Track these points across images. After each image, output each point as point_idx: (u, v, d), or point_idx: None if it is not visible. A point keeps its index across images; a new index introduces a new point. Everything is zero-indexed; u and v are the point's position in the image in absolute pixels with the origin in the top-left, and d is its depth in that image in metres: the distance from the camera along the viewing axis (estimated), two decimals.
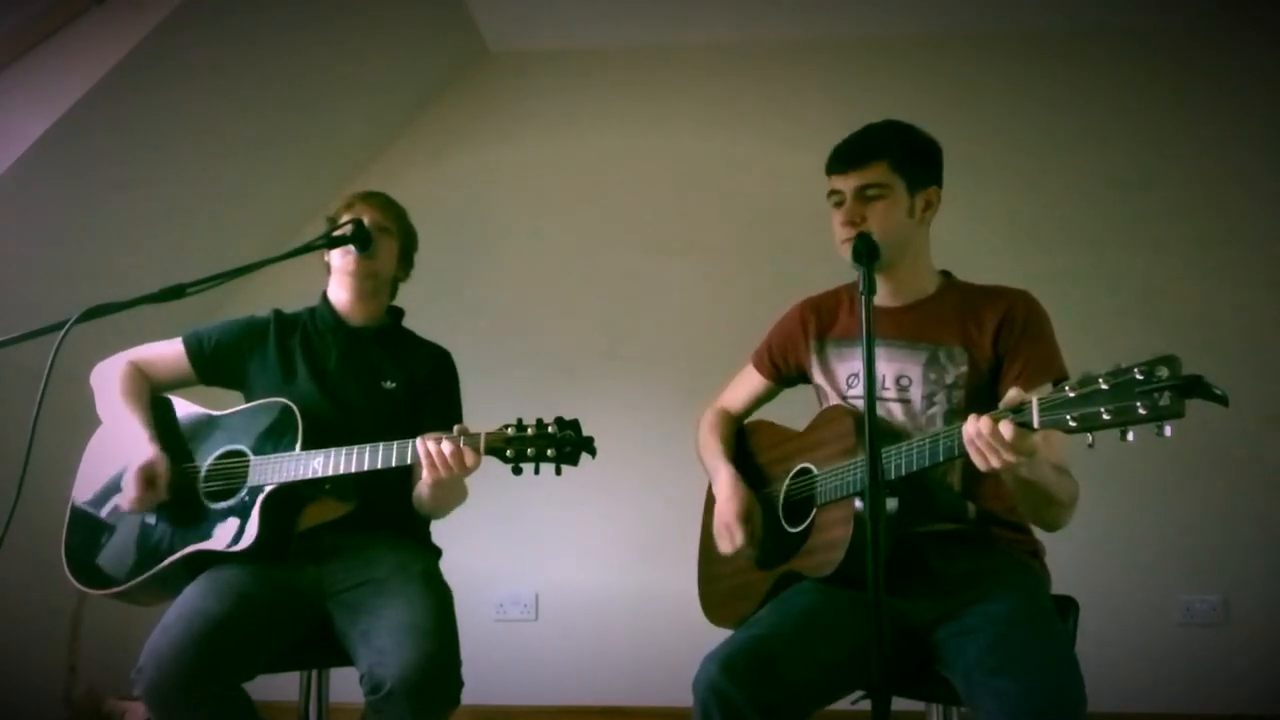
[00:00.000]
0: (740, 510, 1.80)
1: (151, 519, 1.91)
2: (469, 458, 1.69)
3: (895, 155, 1.72)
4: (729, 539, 1.79)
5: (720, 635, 1.77)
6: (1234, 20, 3.33)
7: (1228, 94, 3.35)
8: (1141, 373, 1.18)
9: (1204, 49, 3.36)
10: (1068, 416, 1.25)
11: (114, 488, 1.96)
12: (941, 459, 1.46)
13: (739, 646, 1.52)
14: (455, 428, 1.72)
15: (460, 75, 3.64)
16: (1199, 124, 3.35)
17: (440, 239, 2.50)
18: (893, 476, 1.54)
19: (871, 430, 1.34)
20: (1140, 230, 3.32)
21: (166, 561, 1.84)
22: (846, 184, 1.72)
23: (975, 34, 3.48)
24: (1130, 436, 1.20)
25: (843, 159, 1.75)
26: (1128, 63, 3.41)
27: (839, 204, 1.74)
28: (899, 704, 1.52)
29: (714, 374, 2.14)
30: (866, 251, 1.47)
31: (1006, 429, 1.33)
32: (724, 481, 1.88)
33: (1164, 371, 1.16)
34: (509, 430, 1.69)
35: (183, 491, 1.91)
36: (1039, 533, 1.71)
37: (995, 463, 1.36)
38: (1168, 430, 1.17)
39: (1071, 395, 1.25)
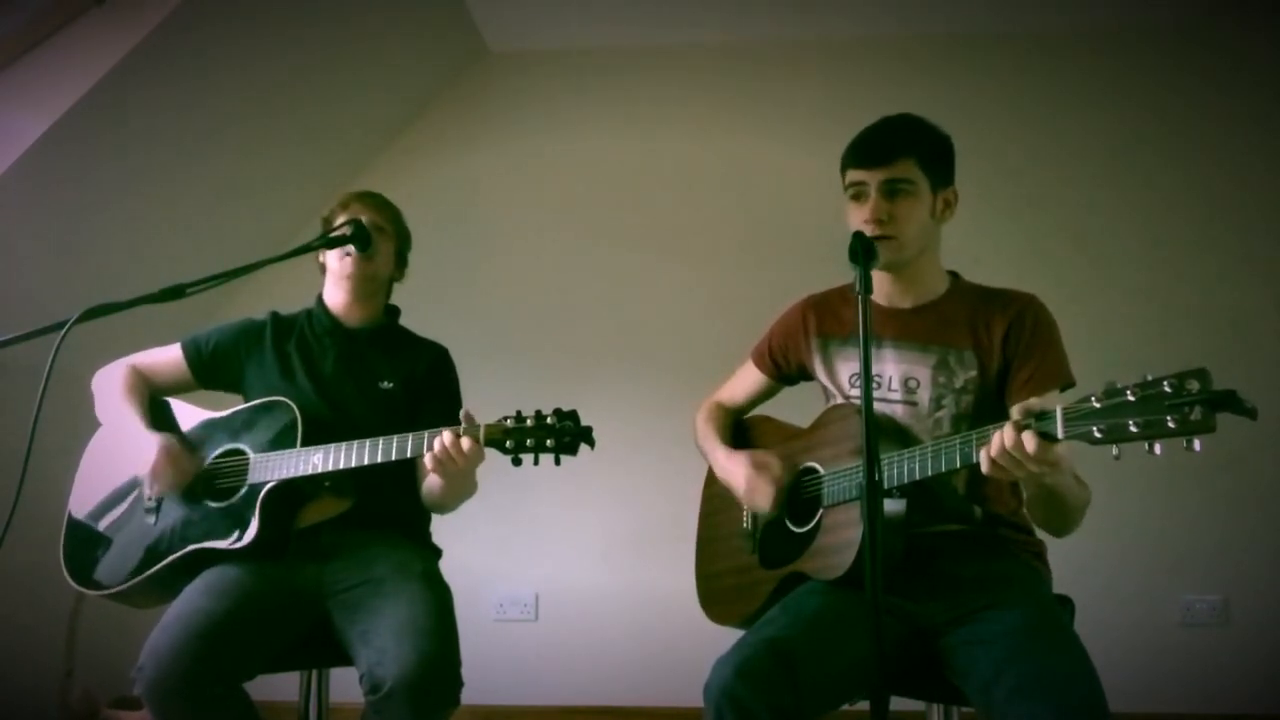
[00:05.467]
0: (753, 463, 1.79)
1: (151, 519, 1.91)
2: (466, 444, 1.69)
3: (922, 153, 1.69)
4: (762, 495, 1.76)
5: (721, 634, 1.78)
6: (1232, 21, 3.33)
7: (1227, 95, 3.34)
8: (1171, 385, 1.16)
9: (1203, 49, 3.36)
10: (1094, 428, 1.23)
11: (113, 488, 1.97)
12: (959, 465, 1.45)
13: (754, 650, 1.49)
14: (461, 413, 1.72)
15: (460, 75, 3.64)
16: (1198, 124, 3.35)
17: (441, 238, 2.51)
18: (905, 480, 1.52)
19: (869, 429, 1.33)
20: (1139, 231, 3.32)
21: (166, 560, 1.85)
22: (872, 178, 1.67)
23: (975, 34, 3.48)
24: (1158, 449, 1.19)
25: (870, 153, 1.70)
26: (1126, 63, 3.41)
27: (857, 196, 1.70)
28: (899, 704, 1.53)
29: (713, 374, 2.14)
30: (863, 251, 1.44)
31: (1031, 442, 1.31)
32: (722, 457, 1.88)
33: (1194, 385, 1.14)
34: (508, 422, 1.71)
35: (184, 490, 1.91)
36: (1040, 533, 1.71)
37: (1019, 474, 1.34)
38: (1197, 445, 1.15)
39: (1098, 406, 1.23)
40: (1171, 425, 1.15)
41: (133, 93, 2.57)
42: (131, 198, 2.84)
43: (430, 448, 1.71)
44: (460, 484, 1.85)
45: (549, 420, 1.69)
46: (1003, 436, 1.34)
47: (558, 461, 1.71)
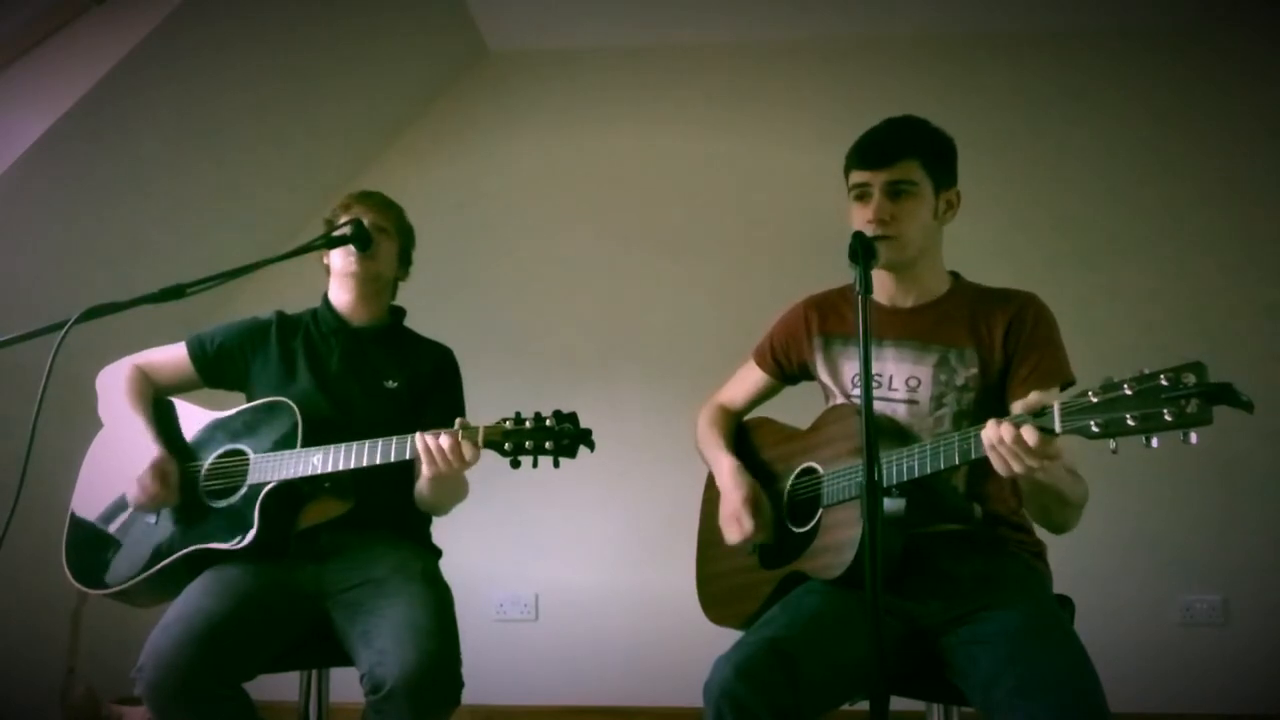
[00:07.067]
0: (747, 496, 1.79)
1: (152, 519, 1.91)
2: (467, 451, 1.69)
3: (925, 154, 1.71)
4: (738, 527, 1.77)
5: (721, 634, 1.78)
6: (1232, 22, 3.33)
7: (1226, 95, 3.35)
8: (1167, 379, 1.16)
9: (1202, 50, 3.36)
10: (1091, 423, 1.23)
11: (115, 490, 1.97)
12: (958, 462, 1.45)
13: (754, 649, 1.49)
14: (456, 421, 1.72)
15: (460, 75, 3.64)
16: (1197, 125, 3.35)
17: (441, 238, 2.51)
18: (904, 479, 1.52)
19: (869, 429, 1.34)
20: (1138, 231, 3.32)
21: (167, 560, 1.85)
22: (876, 179, 1.69)
23: (975, 34, 3.48)
24: (1154, 443, 1.19)
25: (874, 154, 1.71)
26: (1126, 64, 3.41)
27: (861, 196, 1.72)
28: (899, 703, 1.52)
29: (714, 374, 2.14)
30: (863, 251, 1.44)
31: (1030, 435, 1.31)
32: (727, 471, 1.87)
33: (1191, 378, 1.14)
34: (507, 423, 1.70)
35: (184, 491, 1.91)
36: (1040, 532, 1.70)
37: (1018, 468, 1.34)
38: (1193, 438, 1.15)
39: (1095, 400, 1.23)
40: (1168, 418, 1.15)
41: (133, 92, 2.57)
42: (131, 197, 2.84)
43: (427, 446, 1.71)
44: (450, 485, 1.85)
45: (548, 422, 1.69)
46: (1001, 431, 1.34)
47: (556, 464, 1.70)
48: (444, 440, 1.69)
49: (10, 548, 1.52)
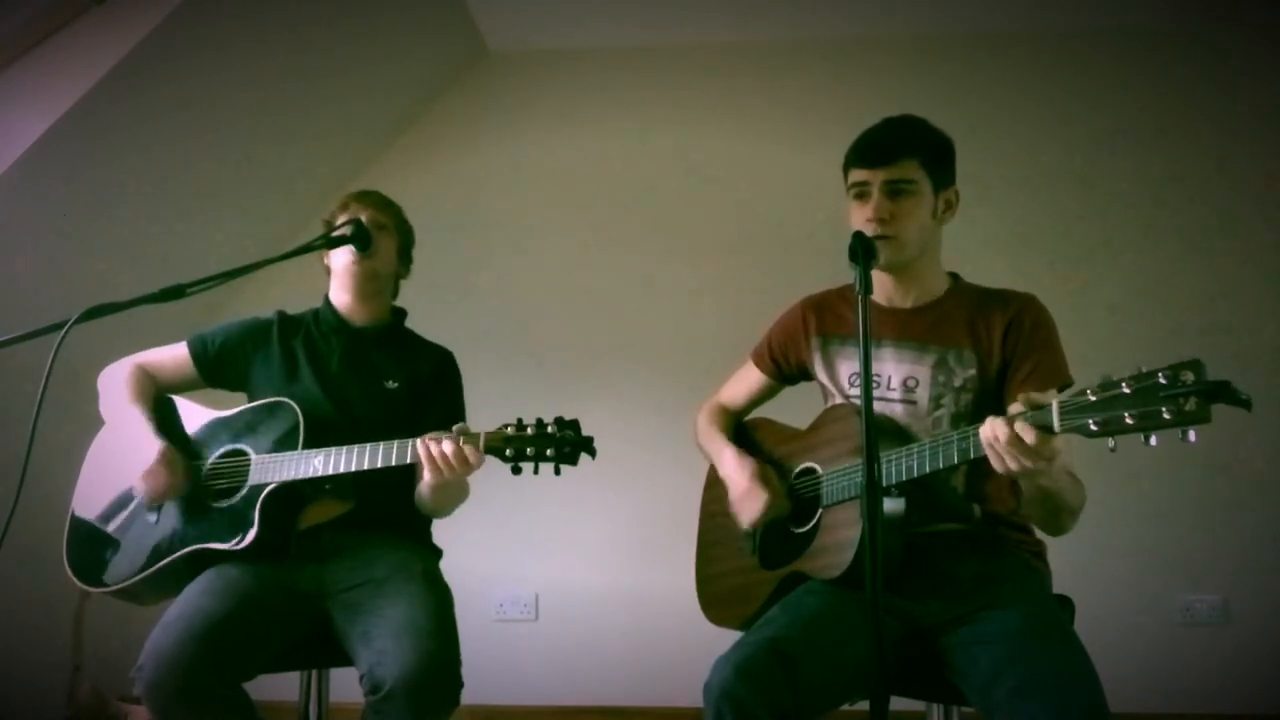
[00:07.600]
0: (754, 472, 1.79)
1: (153, 518, 1.91)
2: (471, 456, 1.69)
3: (924, 153, 1.70)
4: (752, 503, 1.77)
5: (721, 634, 1.78)
6: (1232, 22, 3.33)
7: (1226, 95, 3.34)
8: (1165, 377, 1.15)
9: (1202, 50, 3.36)
10: (1090, 421, 1.23)
11: (116, 488, 1.97)
12: (956, 462, 1.45)
13: (754, 649, 1.49)
14: (455, 427, 1.72)
15: (460, 75, 3.64)
16: (1197, 125, 3.35)
17: (440, 239, 2.51)
18: (903, 478, 1.52)
19: (869, 428, 1.34)
20: (1137, 231, 3.32)
21: (168, 559, 1.85)
22: (875, 177, 1.69)
23: (975, 34, 3.48)
24: (1153, 441, 1.19)
25: (873, 153, 1.71)
26: (1126, 64, 3.41)
27: (860, 195, 1.72)
28: (899, 703, 1.53)
29: (714, 374, 2.14)
30: (863, 251, 1.44)
31: (1028, 433, 1.31)
32: (730, 457, 1.87)
33: (1189, 376, 1.14)
34: (508, 430, 1.70)
35: (186, 490, 1.91)
36: (1040, 532, 1.71)
37: (1015, 467, 1.34)
38: (1192, 436, 1.14)
39: (1093, 399, 1.23)
40: (1167, 416, 1.15)
41: (132, 93, 2.57)
42: (131, 197, 2.84)
43: (430, 452, 1.70)
44: (453, 490, 1.85)
45: (550, 429, 1.68)
46: (999, 429, 1.34)
47: (557, 471, 1.69)
48: (446, 446, 1.69)
49: (10, 547, 1.52)
